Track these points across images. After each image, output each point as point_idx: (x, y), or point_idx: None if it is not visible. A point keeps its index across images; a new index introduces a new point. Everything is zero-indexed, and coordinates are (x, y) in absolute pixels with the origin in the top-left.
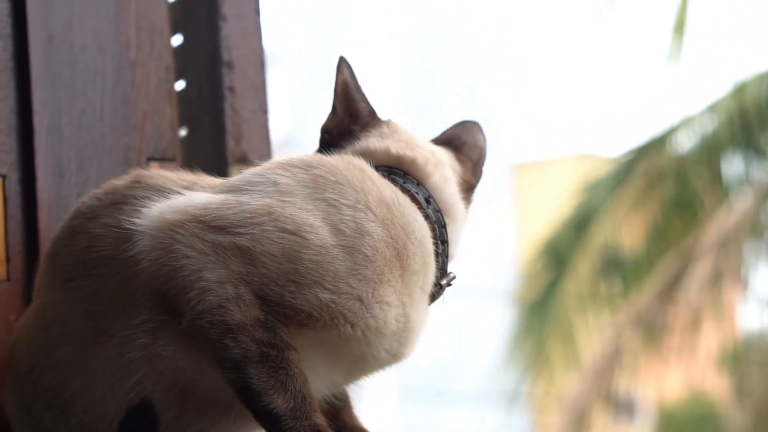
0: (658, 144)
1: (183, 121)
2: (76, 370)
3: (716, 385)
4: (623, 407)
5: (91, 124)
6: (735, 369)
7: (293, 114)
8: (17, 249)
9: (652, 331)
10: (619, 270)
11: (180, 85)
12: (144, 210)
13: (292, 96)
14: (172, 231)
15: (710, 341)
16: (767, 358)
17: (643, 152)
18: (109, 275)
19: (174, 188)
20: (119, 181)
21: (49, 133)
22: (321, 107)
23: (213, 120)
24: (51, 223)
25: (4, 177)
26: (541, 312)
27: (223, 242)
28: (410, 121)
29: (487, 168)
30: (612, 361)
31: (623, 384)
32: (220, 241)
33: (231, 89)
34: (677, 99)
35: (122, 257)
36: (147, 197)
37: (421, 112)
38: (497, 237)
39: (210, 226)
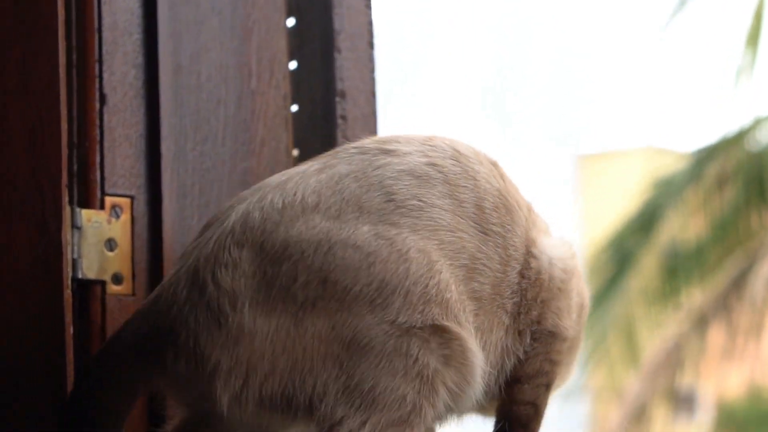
0: (730, 143)
1: (295, 143)
2: None
3: None
4: (684, 403)
5: (213, 150)
6: None
7: None
8: (142, 266)
9: (714, 329)
10: (684, 268)
11: (293, 107)
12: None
13: None
14: None
15: None
16: None
17: (714, 151)
18: None
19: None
20: None
21: (174, 157)
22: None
23: (325, 146)
24: (174, 244)
25: (132, 198)
26: (603, 306)
27: None
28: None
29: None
30: (673, 357)
31: (684, 380)
32: None
33: (343, 117)
34: (751, 96)
35: None
36: None
37: (500, 97)
38: (561, 229)
39: None
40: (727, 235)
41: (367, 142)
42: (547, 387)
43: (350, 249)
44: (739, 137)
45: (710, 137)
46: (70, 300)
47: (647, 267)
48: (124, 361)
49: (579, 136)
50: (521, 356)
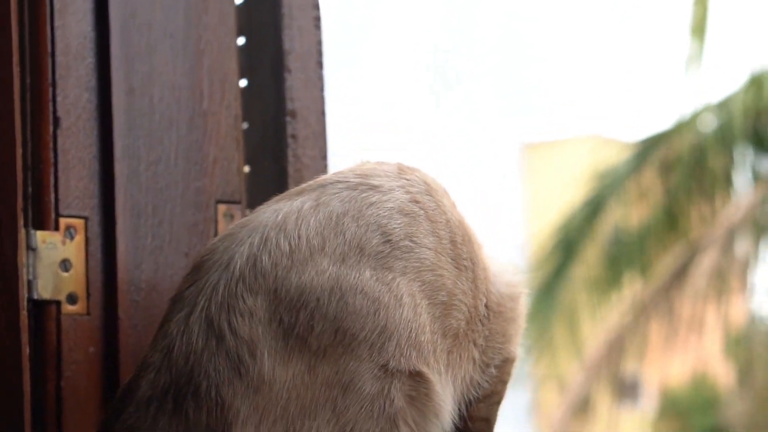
0: (673, 133)
1: (246, 161)
2: None
3: (720, 371)
4: (627, 391)
5: (166, 170)
6: (739, 355)
7: None
8: (97, 286)
9: (657, 318)
10: (627, 258)
11: (244, 125)
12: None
13: None
14: None
15: (715, 328)
16: None
17: (658, 141)
18: None
19: None
20: None
21: (128, 178)
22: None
23: (275, 165)
24: (128, 263)
25: (86, 219)
26: (547, 295)
27: None
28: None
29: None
30: (616, 346)
31: (628, 368)
32: None
33: (293, 137)
34: (694, 88)
35: None
36: None
37: (442, 87)
38: (506, 218)
39: None
40: (669, 226)
41: (348, 175)
42: (499, 403)
43: (359, 296)
44: (682, 127)
45: (656, 127)
46: (26, 320)
47: (591, 256)
48: (146, 417)
49: (524, 124)
50: (484, 385)
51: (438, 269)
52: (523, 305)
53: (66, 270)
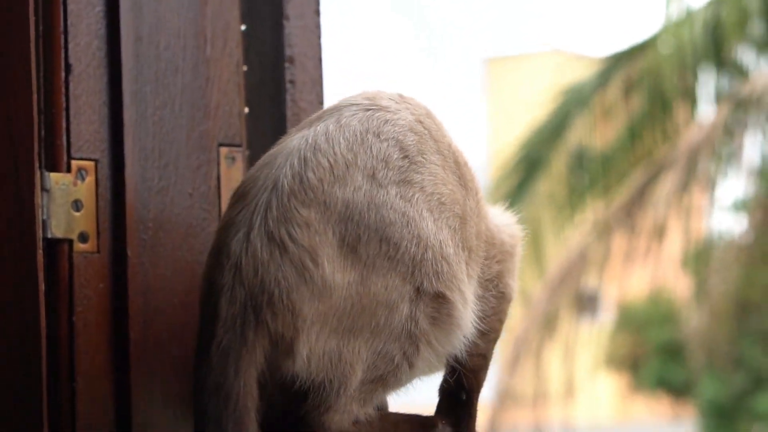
0: (636, 51)
1: (245, 103)
2: None
3: (677, 286)
4: (587, 304)
5: (171, 115)
6: (696, 271)
7: None
8: (106, 225)
9: (618, 236)
10: (591, 175)
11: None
12: None
13: None
14: None
15: (674, 245)
16: (727, 260)
17: (622, 58)
18: None
19: None
20: None
21: (136, 123)
22: None
23: (274, 109)
24: (136, 203)
25: (96, 161)
26: (511, 211)
27: None
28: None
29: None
30: (579, 261)
31: (588, 283)
32: None
33: (292, 82)
34: (658, 3)
35: None
36: None
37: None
38: (469, 133)
39: None
40: (632, 144)
41: (358, 99)
42: (495, 341)
43: (391, 211)
44: (645, 46)
45: (622, 43)
46: (42, 258)
47: (555, 173)
48: (236, 334)
49: (488, 39)
50: (484, 312)
51: (449, 184)
52: (520, 246)
53: (77, 210)
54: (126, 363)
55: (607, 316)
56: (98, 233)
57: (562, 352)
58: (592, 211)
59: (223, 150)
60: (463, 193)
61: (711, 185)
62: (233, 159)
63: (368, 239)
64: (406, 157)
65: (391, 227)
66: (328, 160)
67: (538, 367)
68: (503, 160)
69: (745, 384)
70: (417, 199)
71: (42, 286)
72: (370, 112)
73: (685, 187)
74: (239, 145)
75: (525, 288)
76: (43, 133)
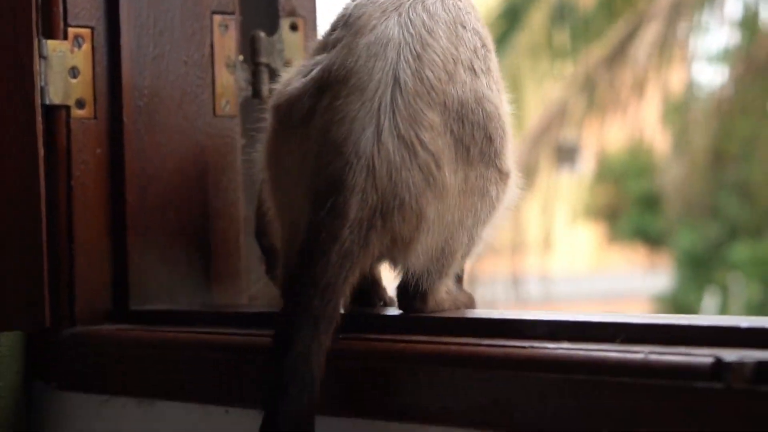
0: None
1: None
2: None
3: (657, 138)
4: (566, 155)
5: None
6: (675, 123)
7: None
8: (102, 92)
9: (599, 89)
10: (573, 26)
11: None
12: None
13: None
14: None
15: (655, 97)
16: (706, 112)
17: None
18: None
19: None
20: None
21: None
22: None
23: None
24: (132, 70)
25: (92, 29)
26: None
27: None
28: None
29: None
30: (559, 113)
31: (568, 135)
32: None
33: None
34: None
35: None
36: None
37: None
38: None
39: None
40: None
41: None
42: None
43: (488, 103)
44: None
45: None
46: (41, 125)
47: (536, 24)
48: (360, 238)
49: None
50: None
51: (498, 66)
52: None
53: (74, 77)
54: (122, 225)
55: (586, 167)
56: (95, 99)
57: (541, 204)
58: (573, 65)
59: (216, 18)
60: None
61: (692, 37)
62: (226, 27)
63: (476, 136)
64: (484, 45)
65: (492, 121)
66: (439, 57)
67: (516, 218)
68: (484, 12)
69: (720, 234)
70: (497, 88)
71: (41, 152)
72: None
73: (666, 39)
74: (232, 13)
75: None
76: (40, 0)
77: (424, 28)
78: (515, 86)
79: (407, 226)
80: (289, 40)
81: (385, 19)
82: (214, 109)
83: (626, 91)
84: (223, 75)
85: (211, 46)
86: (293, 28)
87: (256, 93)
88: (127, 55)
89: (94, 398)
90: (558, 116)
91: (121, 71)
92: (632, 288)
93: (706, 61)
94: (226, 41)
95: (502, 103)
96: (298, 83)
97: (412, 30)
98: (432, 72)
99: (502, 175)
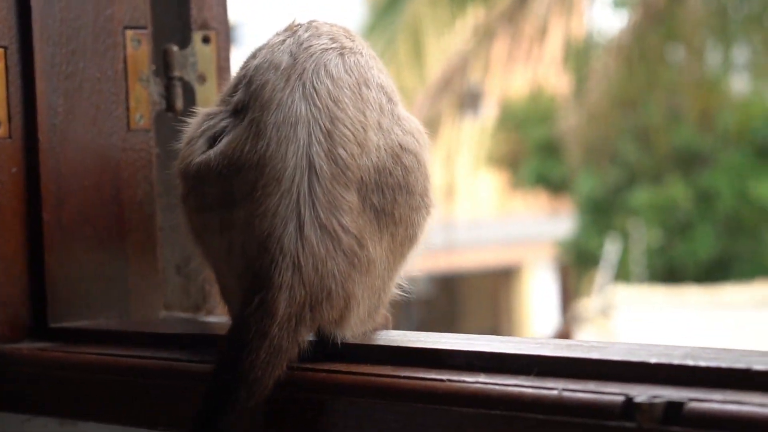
0: None
1: None
2: None
3: (558, 84)
4: (469, 103)
5: (77, 0)
6: (576, 69)
7: None
8: (17, 110)
9: (500, 37)
10: None
11: None
12: None
13: None
14: None
15: (556, 44)
16: (606, 59)
17: None
18: None
19: None
20: None
21: (42, 9)
22: None
23: None
24: (46, 88)
25: (5, 48)
26: (391, 10)
27: None
28: None
29: None
30: (460, 65)
31: (471, 82)
32: None
33: None
34: None
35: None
36: None
37: None
38: None
39: None
40: None
41: (321, 40)
42: None
43: (405, 154)
44: None
45: None
46: None
47: None
48: (289, 334)
49: None
50: None
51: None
52: None
53: None
54: (40, 242)
55: (488, 114)
56: (9, 119)
57: (444, 152)
58: (474, 16)
59: (129, 33)
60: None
61: None
62: (139, 41)
63: (399, 198)
64: (390, 99)
65: (411, 173)
66: (348, 129)
67: None
68: None
69: (620, 180)
70: (408, 127)
71: None
72: (344, 56)
73: None
74: (144, 27)
75: (407, 90)
76: None
77: (330, 99)
78: (416, 37)
79: (336, 311)
80: (201, 52)
81: (290, 91)
82: (128, 123)
83: (528, 41)
84: (136, 89)
85: (124, 61)
86: (205, 40)
87: (170, 106)
88: (41, 74)
89: (16, 417)
90: (460, 66)
91: (35, 90)
92: (535, 233)
93: (606, 6)
94: (139, 55)
95: (414, 138)
96: (202, 148)
97: (318, 103)
98: (344, 149)
99: (428, 209)
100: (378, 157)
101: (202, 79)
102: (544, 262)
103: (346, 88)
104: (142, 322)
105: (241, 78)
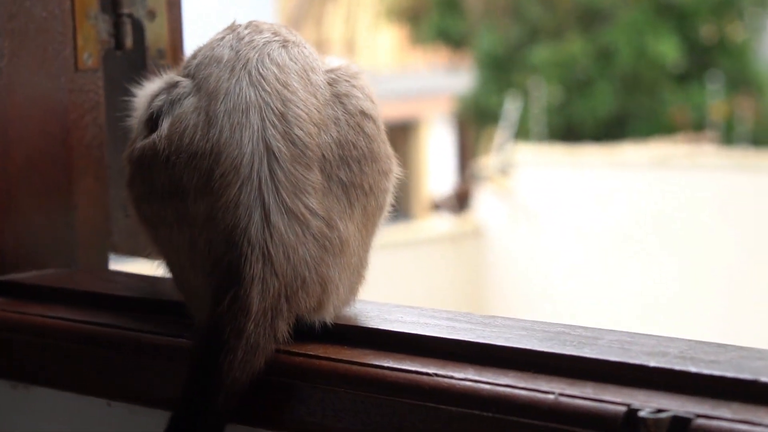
0: None
1: None
2: None
3: None
4: None
5: None
6: None
7: None
8: None
9: None
10: None
11: None
12: None
13: None
14: None
15: None
16: None
17: None
18: None
19: None
20: None
21: None
22: None
23: None
24: None
25: None
26: None
27: None
28: None
29: None
30: None
31: None
32: None
33: None
34: None
35: None
36: None
37: None
38: None
39: None
40: None
41: (264, 35)
42: None
43: (365, 121)
44: None
45: None
46: None
47: None
48: (266, 329)
49: None
50: None
51: None
52: None
53: None
54: None
55: None
56: None
57: (345, 7)
58: None
59: None
60: None
61: None
62: None
63: (365, 168)
64: (328, 80)
65: (374, 141)
66: (302, 110)
67: (320, 22)
68: None
69: (521, 36)
70: (363, 93)
71: None
72: (287, 47)
73: None
74: None
75: None
76: None
77: (279, 83)
78: None
79: (313, 299)
80: None
81: (236, 80)
82: (76, 64)
83: None
84: (84, 27)
85: (72, 0)
86: None
87: (119, 44)
88: None
89: None
90: None
91: None
92: (434, 87)
93: None
94: None
95: (371, 101)
96: (144, 132)
97: (267, 88)
98: (301, 129)
99: (392, 170)
100: (338, 131)
101: (152, 15)
102: (442, 117)
103: (293, 74)
104: (92, 276)
105: (183, 74)
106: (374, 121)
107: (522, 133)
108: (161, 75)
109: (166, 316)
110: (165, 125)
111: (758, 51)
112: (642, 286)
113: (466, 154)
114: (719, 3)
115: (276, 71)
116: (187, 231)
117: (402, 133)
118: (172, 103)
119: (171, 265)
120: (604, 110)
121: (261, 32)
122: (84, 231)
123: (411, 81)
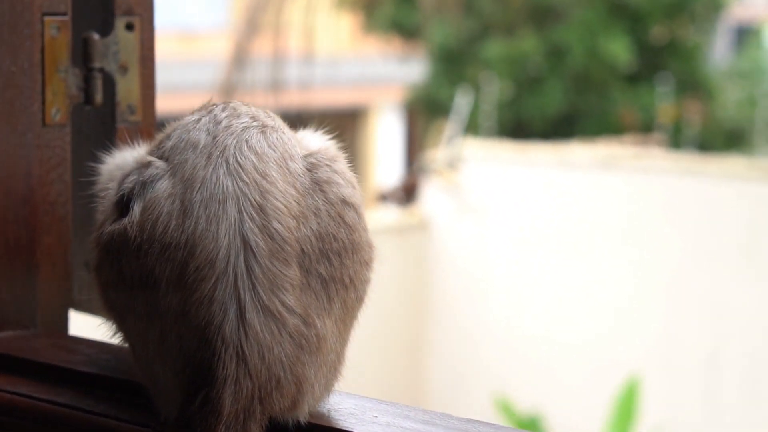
0: None
1: None
2: None
3: None
4: None
5: None
6: None
7: None
8: None
9: None
10: None
11: None
12: None
13: None
14: None
15: None
16: None
17: None
18: None
19: None
20: None
21: None
22: None
23: None
24: None
25: None
26: None
27: None
28: None
29: None
30: None
31: None
32: None
33: None
34: None
35: None
36: None
37: None
38: None
39: None
40: None
41: (242, 119)
42: None
43: (347, 211)
44: None
45: None
46: None
47: None
48: (236, 428)
49: None
50: None
51: None
52: None
53: None
54: None
55: None
56: None
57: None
58: None
59: (48, 20)
60: None
61: None
62: (58, 29)
63: (346, 261)
64: (307, 166)
65: (355, 231)
66: (280, 202)
67: (280, 11)
68: None
69: (474, 30)
70: (349, 182)
71: None
72: (266, 133)
73: None
74: (64, 14)
75: None
76: None
77: (257, 173)
78: None
79: (288, 399)
80: (124, 40)
81: (213, 168)
82: (43, 119)
83: None
84: (53, 81)
85: (42, 51)
86: (129, 27)
87: (89, 99)
88: None
89: None
90: None
91: None
92: (385, 76)
93: None
94: (58, 45)
95: (353, 187)
96: (114, 216)
97: (245, 178)
98: (280, 223)
99: (373, 258)
100: (319, 223)
101: (123, 69)
102: (392, 106)
103: (272, 162)
104: (52, 344)
105: (157, 155)
106: (355, 209)
107: (471, 127)
108: (132, 145)
109: (130, 397)
110: (137, 210)
111: (708, 55)
112: (585, 286)
113: (415, 145)
114: (672, 5)
115: (254, 160)
116: (158, 324)
117: (351, 120)
118: (144, 185)
119: (138, 357)
120: (554, 108)
121: (239, 116)
122: (45, 291)
123: (364, 67)
